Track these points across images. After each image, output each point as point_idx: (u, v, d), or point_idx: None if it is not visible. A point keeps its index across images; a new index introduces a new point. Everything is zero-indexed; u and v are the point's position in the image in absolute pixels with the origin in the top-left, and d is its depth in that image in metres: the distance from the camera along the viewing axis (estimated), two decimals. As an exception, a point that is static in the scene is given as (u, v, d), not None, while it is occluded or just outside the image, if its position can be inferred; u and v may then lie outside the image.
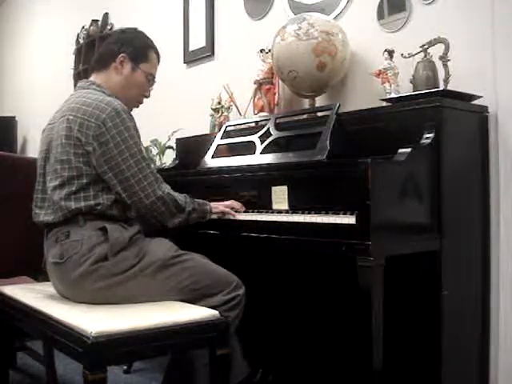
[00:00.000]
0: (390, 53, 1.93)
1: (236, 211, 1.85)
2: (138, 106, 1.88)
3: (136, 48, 1.81)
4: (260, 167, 1.95)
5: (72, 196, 1.61)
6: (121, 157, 1.61)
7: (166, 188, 1.70)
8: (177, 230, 1.77)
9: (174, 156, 2.82)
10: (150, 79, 1.86)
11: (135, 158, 1.63)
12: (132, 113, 1.75)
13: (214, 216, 1.83)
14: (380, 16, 2.18)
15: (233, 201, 1.88)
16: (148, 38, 1.88)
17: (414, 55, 1.82)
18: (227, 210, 1.84)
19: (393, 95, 1.87)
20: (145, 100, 1.91)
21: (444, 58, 1.77)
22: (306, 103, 2.36)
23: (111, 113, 1.62)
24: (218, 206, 1.84)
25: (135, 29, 1.91)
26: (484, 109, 1.80)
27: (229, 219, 1.84)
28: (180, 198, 1.72)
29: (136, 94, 1.84)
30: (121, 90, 1.79)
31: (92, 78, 1.82)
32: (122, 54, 1.79)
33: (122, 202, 1.66)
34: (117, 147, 1.61)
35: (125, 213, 1.68)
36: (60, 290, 1.68)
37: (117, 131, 1.61)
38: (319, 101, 2.33)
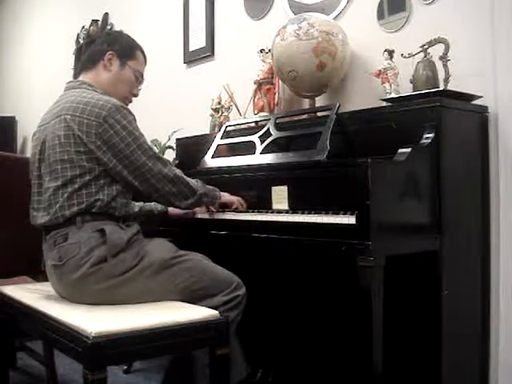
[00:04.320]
0: (390, 53, 1.93)
1: (236, 209, 1.88)
2: (127, 105, 1.87)
3: (123, 46, 1.85)
4: (260, 167, 1.95)
5: (74, 194, 1.61)
6: (128, 149, 1.64)
7: (176, 171, 1.75)
8: (190, 209, 1.87)
9: (174, 156, 2.82)
10: (139, 76, 1.88)
11: (142, 148, 1.67)
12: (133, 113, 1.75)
13: (225, 199, 1.89)
14: (380, 16, 2.18)
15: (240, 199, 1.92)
16: (133, 39, 1.92)
17: (414, 55, 1.82)
18: (236, 200, 1.90)
19: (393, 95, 1.87)
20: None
21: (444, 58, 1.77)
22: (306, 103, 2.36)
23: (111, 109, 1.64)
24: (227, 196, 1.90)
25: (120, 31, 1.98)
26: (484, 109, 1.80)
27: (229, 219, 1.85)
28: (192, 181, 1.79)
29: (124, 91, 1.86)
30: (110, 87, 1.81)
31: (81, 78, 1.84)
32: (109, 52, 1.82)
33: (122, 197, 1.68)
34: (123, 141, 1.63)
35: (124, 209, 1.68)
36: (60, 292, 1.67)
37: (120, 126, 1.63)
38: (319, 101, 2.32)
